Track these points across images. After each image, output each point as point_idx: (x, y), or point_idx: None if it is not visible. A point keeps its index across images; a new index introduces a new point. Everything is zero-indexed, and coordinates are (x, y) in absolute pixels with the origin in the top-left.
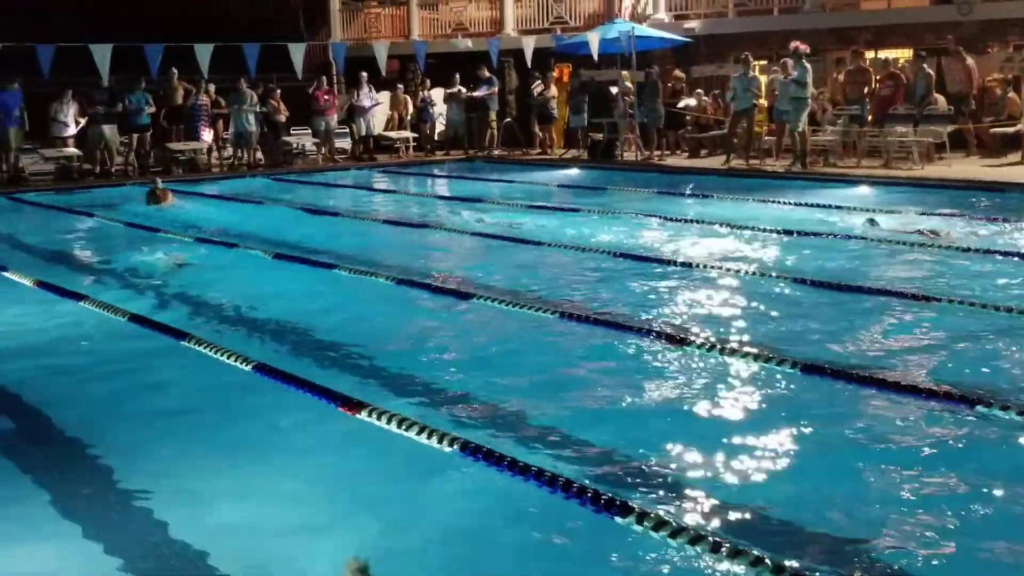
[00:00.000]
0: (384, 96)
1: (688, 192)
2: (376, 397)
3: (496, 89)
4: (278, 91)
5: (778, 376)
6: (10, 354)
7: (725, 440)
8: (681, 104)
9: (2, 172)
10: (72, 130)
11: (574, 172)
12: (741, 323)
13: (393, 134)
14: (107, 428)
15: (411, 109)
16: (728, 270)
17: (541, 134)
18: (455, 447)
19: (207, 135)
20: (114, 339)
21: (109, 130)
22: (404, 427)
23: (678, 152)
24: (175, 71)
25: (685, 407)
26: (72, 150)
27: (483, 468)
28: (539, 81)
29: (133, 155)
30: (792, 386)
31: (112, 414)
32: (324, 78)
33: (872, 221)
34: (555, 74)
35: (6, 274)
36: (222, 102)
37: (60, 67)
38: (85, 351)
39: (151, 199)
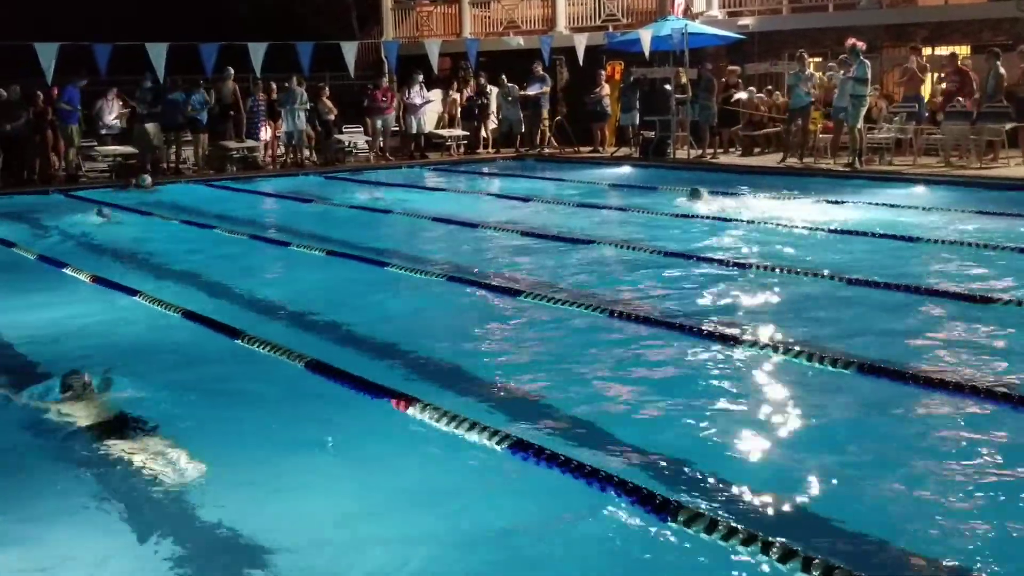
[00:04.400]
0: (436, 94)
1: (741, 191)
2: (427, 393)
3: (548, 88)
4: (327, 89)
5: (832, 377)
6: (69, 350)
7: (774, 439)
8: (734, 98)
9: (60, 169)
10: (115, 126)
11: (625, 170)
12: (793, 323)
13: (444, 132)
14: (162, 419)
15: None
16: (781, 270)
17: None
18: (504, 445)
19: (265, 133)
20: (168, 335)
21: (152, 128)
22: (454, 423)
23: (731, 150)
24: (231, 70)
25: (737, 407)
26: (127, 148)
27: (532, 466)
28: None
29: (195, 154)
30: (848, 387)
31: (166, 407)
32: (384, 78)
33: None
34: (607, 72)
35: (65, 271)
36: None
37: (112, 67)
38: (139, 346)
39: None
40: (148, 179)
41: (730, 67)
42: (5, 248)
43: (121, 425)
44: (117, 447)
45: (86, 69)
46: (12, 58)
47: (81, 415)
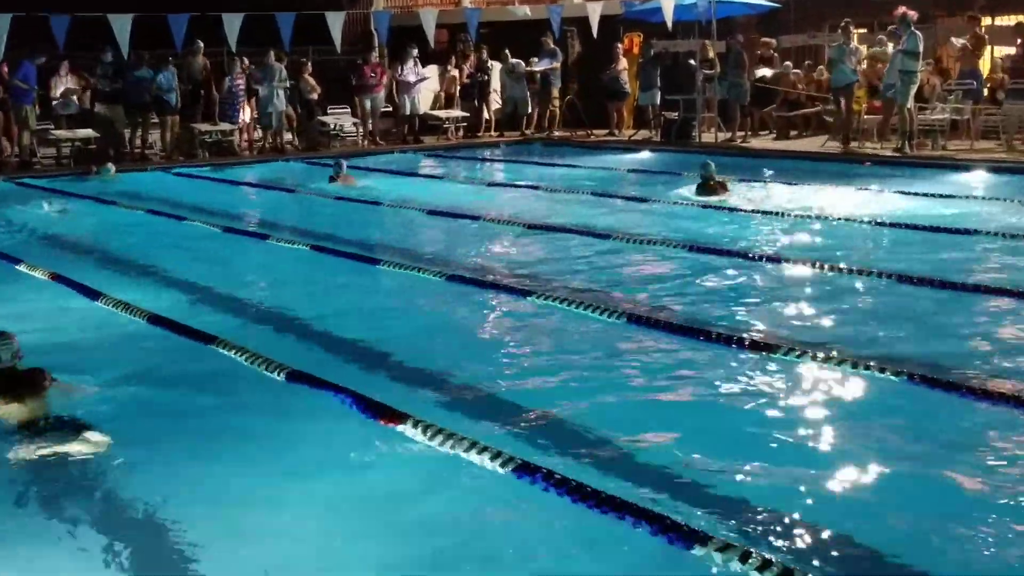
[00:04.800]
0: (431, 71)
1: (773, 179)
2: (418, 407)
3: (559, 63)
4: (310, 65)
5: (878, 385)
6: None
7: (804, 450)
8: (758, 74)
9: (12, 155)
10: (71, 108)
11: (645, 156)
12: (834, 325)
13: (441, 113)
14: (130, 431)
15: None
16: (820, 267)
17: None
18: (509, 468)
19: (244, 115)
20: (132, 339)
21: (112, 112)
22: (448, 442)
23: (764, 133)
24: (200, 44)
25: (766, 418)
26: (88, 132)
27: (529, 486)
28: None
29: (163, 139)
30: (897, 396)
31: (135, 417)
32: (374, 52)
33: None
34: (624, 45)
35: (19, 267)
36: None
37: (71, 41)
38: (103, 351)
39: None
40: (112, 167)
41: (763, 39)
42: None
43: (72, 427)
44: (61, 450)
45: (42, 43)
46: None
47: (20, 415)
